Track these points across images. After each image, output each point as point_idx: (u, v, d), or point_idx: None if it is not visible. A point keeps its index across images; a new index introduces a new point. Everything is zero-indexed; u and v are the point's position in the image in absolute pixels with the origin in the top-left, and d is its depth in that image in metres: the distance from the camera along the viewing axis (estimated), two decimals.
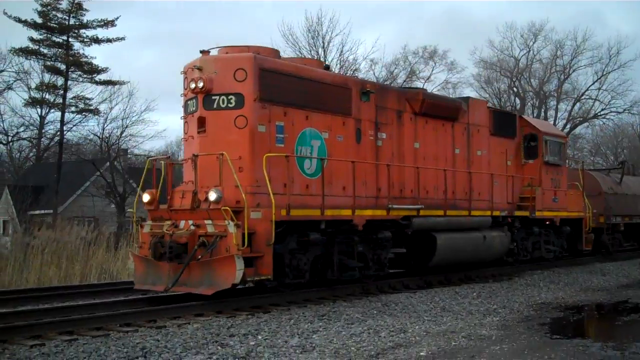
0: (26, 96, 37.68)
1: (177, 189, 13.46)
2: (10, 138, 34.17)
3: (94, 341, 9.81)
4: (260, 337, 10.27)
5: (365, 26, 74.43)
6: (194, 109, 13.76)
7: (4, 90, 35.30)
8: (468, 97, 19.83)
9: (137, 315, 11.57)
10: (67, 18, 37.84)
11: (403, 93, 17.36)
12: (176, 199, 13.32)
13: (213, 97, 13.49)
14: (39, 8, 35.00)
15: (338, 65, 41.71)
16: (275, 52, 14.66)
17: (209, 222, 12.78)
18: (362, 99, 15.86)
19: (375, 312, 12.86)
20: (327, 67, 15.60)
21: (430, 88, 42.60)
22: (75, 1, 35.51)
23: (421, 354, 9.44)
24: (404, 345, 9.99)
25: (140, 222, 13.83)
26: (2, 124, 42.61)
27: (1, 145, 45.74)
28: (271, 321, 11.56)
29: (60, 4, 35.43)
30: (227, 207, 12.46)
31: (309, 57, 42.92)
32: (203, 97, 13.54)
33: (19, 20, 34.67)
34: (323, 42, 42.97)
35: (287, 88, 14.05)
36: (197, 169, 13.27)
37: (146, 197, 13.59)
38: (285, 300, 13.54)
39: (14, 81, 36.06)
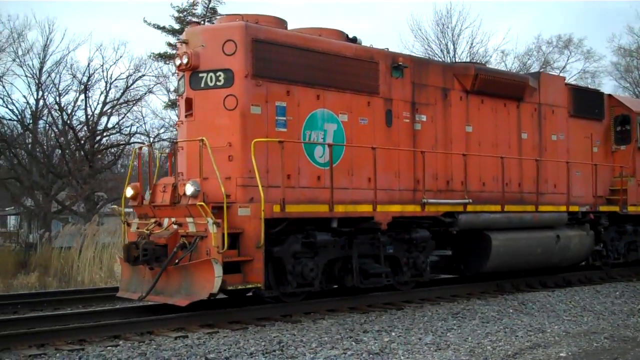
0: (165, 99, 38.19)
1: (160, 182, 11.67)
2: (152, 139, 34.52)
3: (233, 334, 10.13)
4: (394, 333, 10.27)
5: (497, 17, 70.53)
6: (183, 89, 11.93)
7: (145, 94, 36.22)
8: (539, 72, 16.94)
9: (272, 310, 11.65)
10: (202, 23, 37.47)
11: (449, 68, 14.79)
12: (158, 193, 11.53)
13: (200, 75, 11.60)
14: (176, 14, 35.28)
15: (468, 58, 39.55)
16: (280, 22, 12.56)
17: (190, 220, 10.92)
18: (393, 75, 13.50)
19: (511, 310, 12.63)
20: (353, 40, 13.36)
21: (567, 78, 39.17)
22: (210, 6, 35.35)
23: (561, 354, 9.09)
24: (542, 345, 9.65)
25: (127, 221, 12.15)
26: (144, 126, 43.55)
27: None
28: (404, 318, 11.62)
29: (195, 9, 35.38)
30: (202, 203, 10.53)
31: (437, 50, 40.97)
32: (190, 75, 11.68)
33: (158, 27, 34.96)
34: (452, 35, 41.80)
35: (291, 62, 11.95)
36: (176, 158, 11.47)
37: (129, 192, 11.89)
38: (418, 298, 13.57)
39: (154, 85, 36.61)
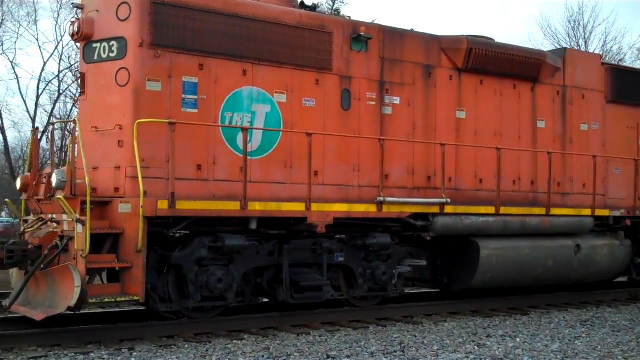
0: None
1: (45, 172, 9.93)
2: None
3: (354, 333, 10.10)
4: (518, 339, 9.94)
5: (634, 13, 65.55)
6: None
7: None
8: (564, 49, 14.07)
9: (393, 310, 11.49)
10: None
11: (435, 41, 12.23)
12: (41, 184, 9.81)
13: (94, 46, 9.77)
14: None
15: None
16: None
17: (65, 217, 9.12)
18: (353, 47, 11.20)
19: None
20: (302, 4, 11.18)
21: None
22: (334, 7, 34.45)
23: None
24: None
25: (23, 217, 10.52)
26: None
27: None
28: (530, 324, 11.30)
29: None
30: (61, 197, 8.69)
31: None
32: (83, 47, 9.89)
33: None
34: (584, 32, 39.00)
35: (208, 30, 9.91)
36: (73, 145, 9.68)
37: (18, 183, 10.25)
38: (544, 303, 13.11)
39: None
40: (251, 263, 10.03)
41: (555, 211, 12.89)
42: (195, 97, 9.81)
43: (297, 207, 10.07)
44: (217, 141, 9.90)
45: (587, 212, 13.39)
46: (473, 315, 11.85)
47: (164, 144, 9.37)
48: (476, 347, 9.26)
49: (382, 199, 10.78)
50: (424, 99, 11.96)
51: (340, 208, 10.46)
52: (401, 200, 11.10)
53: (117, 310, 11.67)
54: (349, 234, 10.95)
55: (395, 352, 8.84)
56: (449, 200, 11.46)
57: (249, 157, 10.07)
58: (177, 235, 9.83)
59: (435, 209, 11.45)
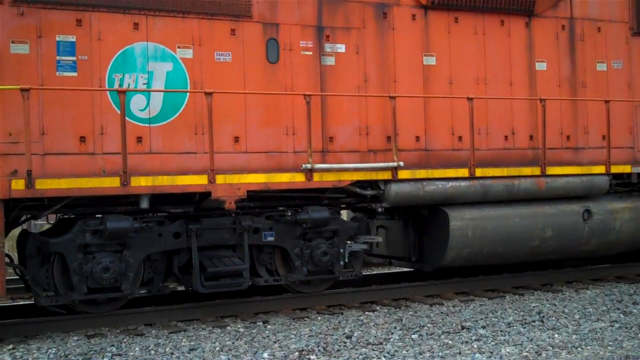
0: None
1: None
2: None
3: (489, 303, 9.80)
4: None
5: None
6: None
7: None
8: None
9: (531, 278, 11.13)
10: None
11: None
12: None
13: None
14: None
15: None
16: None
17: None
18: None
19: None
20: None
21: None
22: None
23: None
24: None
25: None
26: None
27: None
28: None
29: None
30: None
31: None
32: None
33: None
34: None
35: None
36: None
37: None
38: None
39: None
40: (152, 247, 8.65)
41: (554, 170, 10.73)
42: (74, 58, 8.46)
43: (197, 180, 8.57)
44: (105, 108, 8.54)
45: (600, 169, 11.11)
46: (617, 282, 11.31)
47: (35, 114, 8.13)
48: (621, 315, 8.85)
49: (309, 165, 9.09)
50: (378, 44, 10.12)
51: (255, 179, 8.87)
52: (335, 166, 9.36)
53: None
54: (275, 210, 9.36)
55: (534, 322, 8.50)
56: (401, 164, 9.61)
57: (148, 125, 8.73)
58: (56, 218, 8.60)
59: (386, 175, 9.64)
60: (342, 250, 9.52)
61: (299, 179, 9.11)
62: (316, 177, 9.18)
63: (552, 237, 10.61)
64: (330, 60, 9.80)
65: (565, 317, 8.77)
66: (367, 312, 9.21)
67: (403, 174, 9.67)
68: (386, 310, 9.36)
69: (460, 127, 10.47)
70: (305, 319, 8.89)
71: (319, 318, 8.94)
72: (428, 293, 10.22)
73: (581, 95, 11.52)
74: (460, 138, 10.50)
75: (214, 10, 9.11)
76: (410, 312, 9.18)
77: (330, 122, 9.70)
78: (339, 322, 8.66)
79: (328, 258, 9.36)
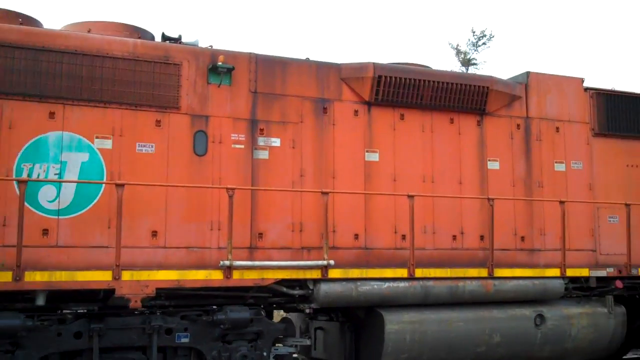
0: None
1: None
2: None
3: None
4: None
5: None
6: None
7: None
8: (527, 72, 11.36)
9: None
10: None
11: (332, 70, 10.03)
12: None
13: None
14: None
15: None
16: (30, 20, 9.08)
17: None
18: (211, 81, 9.28)
19: None
20: (164, 36, 9.47)
21: None
22: None
23: None
24: None
25: None
26: None
27: None
28: None
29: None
30: None
31: None
32: None
33: None
34: None
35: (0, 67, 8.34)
36: None
37: None
38: None
39: None
40: (49, 348, 8.05)
41: (503, 272, 10.09)
42: None
43: (99, 277, 8.05)
44: (9, 199, 8.14)
45: (555, 272, 10.46)
46: None
47: None
48: None
49: (228, 262, 8.56)
50: (317, 139, 9.76)
51: (166, 276, 8.32)
52: (257, 263, 8.81)
53: None
54: (193, 310, 8.77)
55: None
56: (331, 262, 9.04)
57: (56, 217, 8.31)
58: None
59: (315, 274, 9.07)
60: (265, 354, 8.86)
61: (216, 276, 8.56)
62: (236, 274, 8.62)
63: (501, 343, 9.88)
64: (263, 154, 9.44)
65: None
66: None
67: (334, 273, 9.10)
68: None
69: (404, 226, 9.94)
70: None
71: None
72: None
73: (537, 195, 11.01)
74: (403, 237, 9.98)
75: (138, 101, 8.85)
76: None
77: (261, 218, 9.25)
78: None
79: None
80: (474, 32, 37.77)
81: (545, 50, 59.71)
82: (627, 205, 10.98)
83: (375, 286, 9.28)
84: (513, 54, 54.38)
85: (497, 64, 43.71)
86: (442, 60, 45.81)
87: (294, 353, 9.27)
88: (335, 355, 10.06)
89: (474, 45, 37.06)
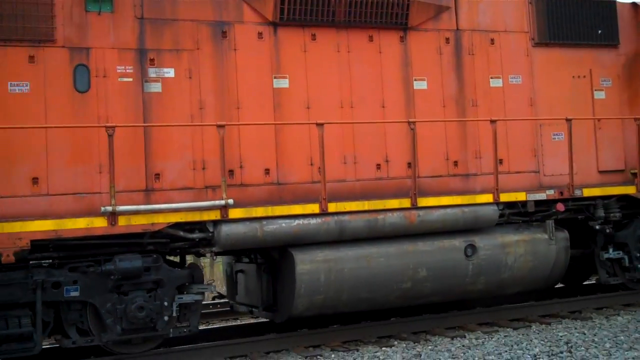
0: None
1: None
2: None
3: (514, 333, 9.33)
4: None
5: None
6: None
7: None
8: None
9: (559, 306, 10.62)
10: None
11: None
12: None
13: None
14: None
15: None
16: None
17: None
18: (89, 8, 8.42)
19: None
20: None
21: None
22: None
23: None
24: None
25: None
26: None
27: None
28: None
29: None
30: None
31: None
32: None
33: None
34: None
35: None
36: None
37: None
38: None
39: None
40: None
41: (428, 201, 9.37)
42: None
43: None
44: None
45: (487, 197, 9.73)
46: None
47: None
48: None
49: (110, 208, 7.87)
50: (217, 67, 8.94)
51: (42, 226, 7.65)
52: (143, 207, 8.11)
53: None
54: (81, 261, 8.13)
55: (562, 352, 8.16)
56: (230, 202, 8.34)
57: None
58: None
59: (214, 215, 8.38)
60: (166, 304, 8.27)
61: (99, 224, 7.88)
62: (122, 221, 7.95)
63: (428, 277, 9.25)
64: (155, 87, 8.64)
65: (595, 347, 8.35)
66: (384, 348, 8.75)
67: (235, 213, 8.40)
68: (404, 345, 8.90)
69: (323, 156, 9.19)
70: (319, 356, 8.48)
71: (333, 355, 8.52)
72: (450, 325, 9.74)
73: (472, 115, 10.20)
74: (320, 169, 9.23)
75: (6, 36, 8.01)
76: (430, 347, 8.74)
77: (157, 157, 8.52)
78: (354, 359, 8.29)
79: (145, 314, 8.10)
80: None
81: None
82: (568, 120, 10.16)
83: (284, 224, 8.59)
84: None
85: None
86: None
87: (200, 300, 8.63)
88: (254, 299, 9.49)
89: None
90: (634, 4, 11.57)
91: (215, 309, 12.41)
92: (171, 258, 9.07)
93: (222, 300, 11.53)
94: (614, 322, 9.76)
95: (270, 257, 9.28)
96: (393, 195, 9.43)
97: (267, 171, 9.04)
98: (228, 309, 11.40)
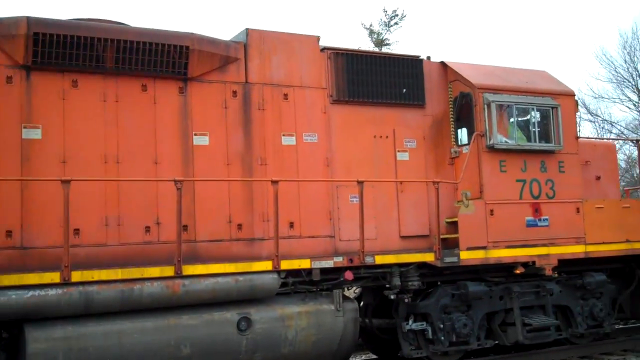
0: None
1: None
2: None
3: None
4: None
5: None
6: None
7: None
8: (246, 30, 9.72)
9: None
10: None
11: None
12: None
13: None
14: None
15: None
16: None
17: None
18: None
19: None
20: None
21: None
22: None
23: None
24: None
25: None
26: None
27: None
28: None
29: None
30: None
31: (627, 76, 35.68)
32: None
33: None
34: None
35: None
36: None
37: None
38: None
39: None
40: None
41: (196, 269, 8.45)
42: None
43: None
44: None
45: (266, 265, 8.92)
46: None
47: None
48: None
49: None
50: None
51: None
52: None
53: None
54: None
55: None
56: None
57: None
58: None
59: None
60: None
61: None
62: None
63: (193, 354, 8.27)
64: None
65: None
66: None
67: None
68: None
69: (77, 218, 8.16)
70: None
71: None
72: None
73: (260, 175, 9.45)
74: (77, 231, 8.18)
75: None
76: None
77: None
78: None
79: None
80: (385, 12, 37.06)
81: (462, 31, 59.26)
82: (360, 182, 9.54)
83: (13, 296, 7.45)
84: (427, 34, 53.84)
85: (411, 45, 42.76)
86: (356, 41, 44.53)
87: None
88: None
89: (386, 25, 36.72)
90: (442, 63, 11.26)
91: None
92: None
93: None
94: None
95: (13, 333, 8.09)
96: (165, 262, 8.46)
97: (8, 233, 7.91)
98: None
